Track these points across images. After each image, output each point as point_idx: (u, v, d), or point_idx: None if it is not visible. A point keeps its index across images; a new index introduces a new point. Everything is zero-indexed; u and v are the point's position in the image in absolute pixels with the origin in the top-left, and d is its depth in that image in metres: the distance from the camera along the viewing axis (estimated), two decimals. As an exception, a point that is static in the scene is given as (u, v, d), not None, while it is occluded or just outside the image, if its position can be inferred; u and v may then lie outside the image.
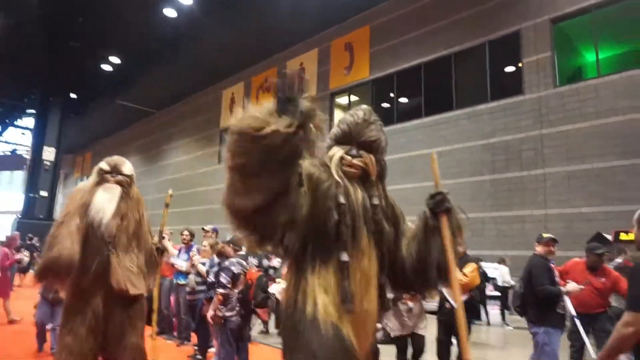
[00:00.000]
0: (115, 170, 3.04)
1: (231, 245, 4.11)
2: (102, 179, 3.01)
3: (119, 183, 3.01)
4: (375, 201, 1.71)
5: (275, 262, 7.12)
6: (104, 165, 3.07)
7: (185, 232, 6.44)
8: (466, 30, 12.18)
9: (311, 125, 1.40)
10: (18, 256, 8.46)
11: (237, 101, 19.99)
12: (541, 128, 10.41)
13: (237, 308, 3.78)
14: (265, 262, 6.99)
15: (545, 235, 4.33)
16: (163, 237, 3.42)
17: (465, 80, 12.68)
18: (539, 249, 4.08)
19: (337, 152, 1.71)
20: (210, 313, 3.82)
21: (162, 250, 3.28)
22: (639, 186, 8.68)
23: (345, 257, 1.55)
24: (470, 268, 4.34)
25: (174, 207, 25.22)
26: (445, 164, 11.97)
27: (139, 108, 24.58)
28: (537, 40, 10.87)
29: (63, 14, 16.56)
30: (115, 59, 19.85)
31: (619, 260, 6.80)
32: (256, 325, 7.78)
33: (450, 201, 1.75)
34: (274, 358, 5.68)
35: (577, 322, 4.23)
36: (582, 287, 3.98)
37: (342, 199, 1.59)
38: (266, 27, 15.57)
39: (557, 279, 4.02)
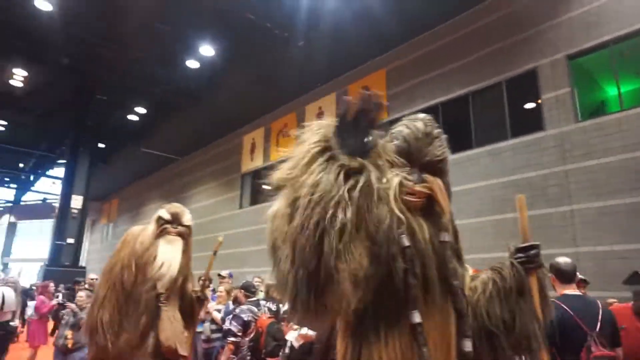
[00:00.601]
0: (176, 220, 2.92)
1: (242, 291, 4.01)
2: (163, 230, 2.86)
3: (180, 235, 2.90)
4: (446, 237, 1.36)
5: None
6: (164, 214, 2.92)
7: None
8: (482, 69, 12.23)
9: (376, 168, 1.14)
10: (55, 302, 8.50)
11: (258, 146, 20.32)
12: (564, 164, 10.14)
13: (248, 357, 3.63)
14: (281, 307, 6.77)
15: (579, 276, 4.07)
16: (208, 286, 3.23)
17: (484, 119, 12.61)
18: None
19: (394, 177, 1.33)
20: None
21: (203, 300, 3.12)
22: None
23: (417, 318, 1.19)
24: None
25: (199, 252, 25.41)
26: (467, 203, 11.72)
27: (163, 155, 25.25)
28: (555, 76, 10.80)
29: (90, 70, 17.47)
30: (140, 109, 20.65)
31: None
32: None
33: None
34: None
35: None
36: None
37: (406, 241, 1.25)
38: (284, 73, 16.03)
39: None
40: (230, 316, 3.96)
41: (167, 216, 2.89)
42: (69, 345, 5.03)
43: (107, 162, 26.91)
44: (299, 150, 1.23)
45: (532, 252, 1.42)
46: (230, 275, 6.84)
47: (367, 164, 1.15)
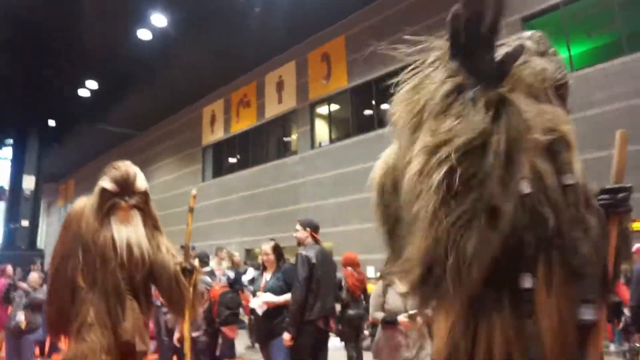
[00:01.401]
0: (126, 189, 2.31)
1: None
2: (112, 207, 2.27)
3: (136, 208, 2.32)
4: (570, 180, 1.06)
5: (249, 274, 6.94)
6: (108, 184, 2.30)
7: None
8: (437, 34, 12.24)
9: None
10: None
11: (218, 118, 19.86)
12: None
13: (203, 327, 3.61)
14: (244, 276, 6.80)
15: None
16: (189, 252, 2.65)
17: (443, 83, 12.72)
18: None
19: (534, 111, 1.04)
20: (176, 335, 3.64)
21: (190, 270, 2.48)
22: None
23: (527, 282, 0.97)
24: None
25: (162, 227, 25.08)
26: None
27: (120, 131, 24.30)
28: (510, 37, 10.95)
29: (34, 42, 16.36)
30: (92, 84, 19.64)
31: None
32: (242, 341, 7.54)
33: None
34: (259, 375, 5.46)
35: None
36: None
37: (525, 187, 0.96)
38: (241, 43, 15.55)
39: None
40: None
41: (112, 187, 2.27)
42: (23, 327, 4.85)
43: (59, 141, 25.63)
44: (426, 89, 0.97)
45: (621, 195, 1.21)
46: (193, 248, 6.76)
47: (509, 96, 0.91)
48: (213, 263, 7.07)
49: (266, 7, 13.88)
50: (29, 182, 20.80)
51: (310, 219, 4.33)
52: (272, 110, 16.96)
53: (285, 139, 17.26)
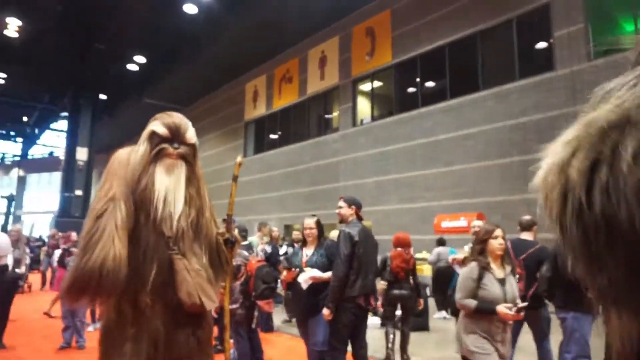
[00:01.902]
0: (176, 137, 2.11)
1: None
2: (159, 152, 2.08)
3: (182, 158, 2.12)
4: None
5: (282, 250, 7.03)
6: (159, 128, 2.10)
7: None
8: (490, 7, 11.63)
9: None
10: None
11: (260, 94, 19.96)
12: (575, 105, 9.83)
13: (240, 300, 3.67)
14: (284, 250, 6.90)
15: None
16: (231, 223, 2.51)
17: (492, 60, 12.15)
18: None
19: None
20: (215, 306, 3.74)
21: (232, 242, 2.34)
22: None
23: None
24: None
25: (202, 202, 25.75)
26: (472, 147, 11.55)
27: (166, 105, 24.97)
28: (569, 11, 10.25)
29: (84, 18, 16.90)
30: (140, 58, 20.17)
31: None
32: (279, 315, 7.71)
33: None
34: (297, 347, 5.58)
35: None
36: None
37: None
38: (285, 18, 15.41)
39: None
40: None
41: (163, 131, 2.08)
42: None
43: (111, 114, 26.72)
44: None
45: None
46: (234, 222, 6.90)
47: None
48: (255, 237, 7.21)
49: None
50: (82, 154, 21.86)
51: (353, 196, 4.26)
52: (314, 86, 16.84)
53: (326, 116, 17.15)
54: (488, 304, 2.96)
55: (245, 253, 4.04)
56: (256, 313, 3.79)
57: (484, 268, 3.05)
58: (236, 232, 2.51)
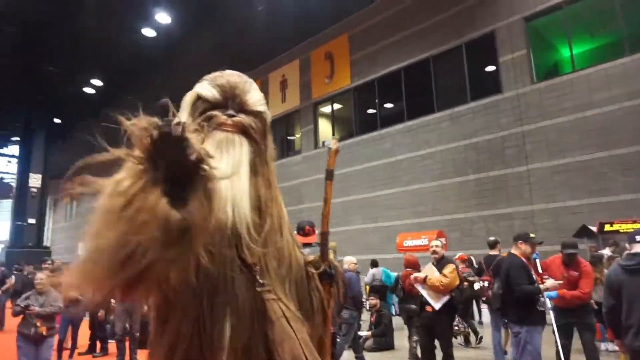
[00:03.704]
0: (233, 100, 1.30)
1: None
2: (209, 120, 1.27)
3: (243, 132, 1.28)
4: None
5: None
6: (207, 89, 1.33)
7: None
8: (442, 33, 12.30)
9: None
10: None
11: (222, 116, 19.97)
12: (522, 125, 10.49)
13: None
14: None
15: (532, 235, 4.35)
16: (327, 245, 1.53)
17: (445, 83, 12.78)
18: (521, 248, 4.03)
19: None
20: None
21: (331, 276, 1.42)
22: (619, 177, 8.76)
23: None
24: (449, 269, 4.33)
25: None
26: (430, 167, 12.02)
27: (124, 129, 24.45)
28: (512, 39, 11.00)
29: (38, 40, 16.50)
30: (97, 82, 19.79)
31: (606, 252, 6.82)
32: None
33: None
34: None
35: (552, 317, 4.20)
36: (560, 282, 3.97)
37: None
38: (245, 41, 15.64)
39: (537, 275, 4.01)
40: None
41: (211, 93, 1.31)
42: (44, 333, 4.85)
43: (65, 139, 25.85)
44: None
45: None
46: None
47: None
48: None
49: (269, 7, 13.95)
50: (35, 180, 21.02)
51: (301, 220, 3.84)
52: (276, 109, 17.05)
53: (288, 137, 17.36)
54: None
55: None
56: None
57: None
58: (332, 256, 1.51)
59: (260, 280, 1.19)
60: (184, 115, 1.30)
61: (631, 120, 8.85)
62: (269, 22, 14.43)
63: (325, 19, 14.96)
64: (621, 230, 7.18)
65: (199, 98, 1.33)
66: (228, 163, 1.22)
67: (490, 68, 11.69)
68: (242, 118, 1.29)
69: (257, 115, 1.33)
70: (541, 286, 3.82)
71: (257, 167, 1.29)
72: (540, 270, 4.21)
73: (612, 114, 9.12)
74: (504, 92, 10.97)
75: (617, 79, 9.22)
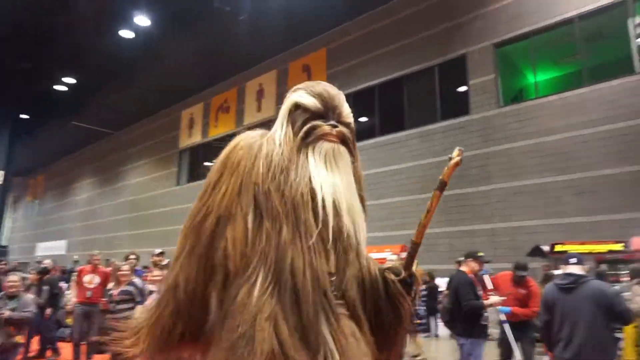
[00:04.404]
0: (333, 111, 1.29)
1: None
2: (310, 131, 1.24)
3: (344, 143, 1.29)
4: None
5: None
6: (306, 98, 1.28)
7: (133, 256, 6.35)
8: (416, 54, 12.72)
9: None
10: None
11: (196, 122, 19.89)
12: (487, 147, 10.91)
13: None
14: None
15: (480, 254, 4.57)
16: (416, 255, 1.41)
17: (417, 101, 13.18)
18: (470, 265, 4.27)
19: None
20: None
21: (411, 285, 1.36)
22: (572, 200, 9.23)
23: None
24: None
25: (133, 229, 24.32)
26: (400, 182, 12.32)
27: (95, 129, 24.01)
28: (482, 63, 11.49)
29: (11, 35, 16.13)
30: (69, 80, 19.41)
31: (558, 272, 7.18)
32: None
33: None
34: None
35: (507, 329, 4.45)
36: (503, 298, 4.22)
37: None
38: (224, 48, 15.73)
39: (484, 291, 4.24)
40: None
41: (312, 103, 1.28)
42: (21, 341, 4.65)
43: (31, 135, 25.14)
44: None
45: None
46: (163, 254, 6.86)
47: None
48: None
49: (251, 15, 14.11)
50: (-3, 176, 20.36)
51: None
52: (251, 117, 17.14)
53: (262, 146, 17.40)
54: None
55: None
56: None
57: None
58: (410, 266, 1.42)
59: (334, 292, 1.15)
60: (283, 126, 1.29)
61: (586, 148, 9.36)
62: (250, 31, 14.57)
63: (304, 32, 15.23)
64: (570, 251, 7.57)
65: (298, 107, 1.31)
66: (339, 172, 1.23)
67: (461, 89, 12.15)
68: (343, 130, 1.31)
69: (349, 126, 1.35)
70: (485, 302, 4.05)
71: (356, 174, 1.34)
72: (490, 286, 4.45)
73: (569, 140, 9.63)
74: (471, 114, 11.41)
75: (576, 107, 9.75)
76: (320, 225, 1.14)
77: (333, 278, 1.16)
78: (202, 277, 1.16)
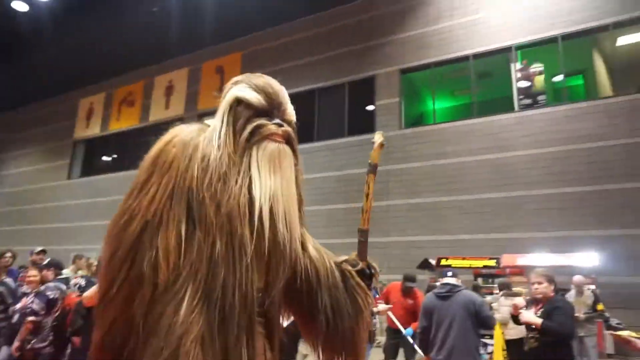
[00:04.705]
0: (278, 109, 1.23)
1: (52, 268, 3.81)
2: (254, 131, 1.16)
3: (289, 144, 1.24)
4: None
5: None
6: (250, 93, 1.20)
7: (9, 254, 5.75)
8: (330, 69, 13.21)
9: None
10: None
11: (96, 112, 18.49)
12: (388, 164, 11.64)
13: (50, 338, 3.46)
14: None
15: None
16: (366, 244, 1.47)
17: (327, 116, 13.65)
18: None
19: None
20: (15, 344, 3.42)
21: (370, 276, 1.42)
22: (457, 219, 10.24)
23: None
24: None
25: (11, 225, 21.83)
26: (306, 192, 12.60)
27: (-26, 108, 21.19)
28: (389, 86, 12.28)
29: None
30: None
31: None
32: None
33: None
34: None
35: (409, 337, 4.80)
36: (390, 306, 4.58)
37: None
38: (135, 37, 14.88)
39: (374, 299, 4.56)
40: (33, 294, 3.71)
41: (256, 99, 1.20)
42: None
43: None
44: None
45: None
46: (44, 252, 6.29)
47: None
48: (69, 270, 6.65)
49: (165, 8, 13.58)
50: None
51: None
52: (158, 114, 16.38)
53: (168, 144, 16.70)
54: None
55: (63, 286, 3.82)
56: (69, 350, 3.57)
57: None
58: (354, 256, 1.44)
59: (262, 305, 1.13)
60: (224, 123, 1.18)
61: (471, 173, 10.45)
62: (162, 24, 14.00)
63: (220, 32, 14.99)
64: (453, 265, 8.38)
65: (240, 102, 1.20)
66: (282, 178, 1.16)
67: (368, 108, 12.84)
68: (287, 128, 1.23)
69: (292, 124, 1.29)
70: (373, 309, 4.36)
71: (297, 175, 1.30)
72: (377, 295, 4.78)
73: (457, 165, 10.67)
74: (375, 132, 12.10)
75: (465, 136, 10.85)
76: (255, 238, 1.08)
77: (260, 294, 1.12)
78: (124, 290, 1.02)
